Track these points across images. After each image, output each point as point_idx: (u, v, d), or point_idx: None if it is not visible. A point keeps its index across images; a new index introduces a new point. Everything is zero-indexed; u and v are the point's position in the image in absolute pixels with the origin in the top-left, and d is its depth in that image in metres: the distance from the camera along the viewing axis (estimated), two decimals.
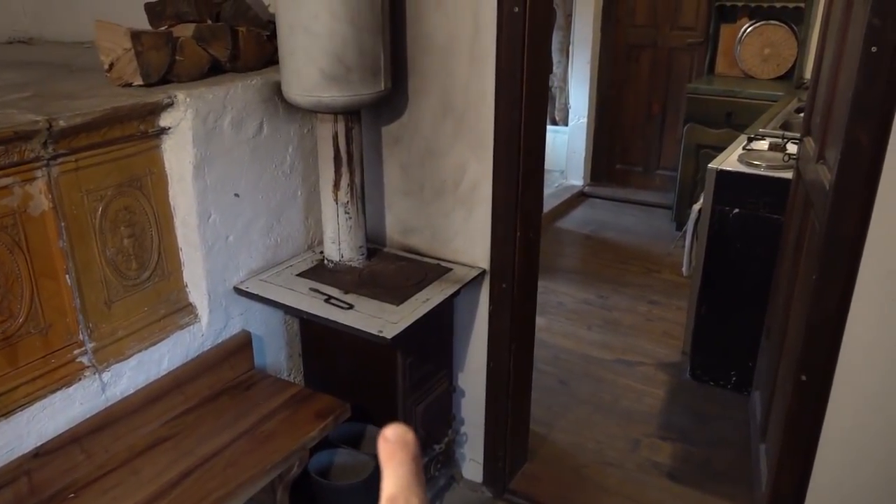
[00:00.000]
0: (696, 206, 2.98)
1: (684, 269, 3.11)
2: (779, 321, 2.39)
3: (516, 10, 1.95)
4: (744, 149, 3.02)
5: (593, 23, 5.21)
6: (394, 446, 0.38)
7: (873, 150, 1.61)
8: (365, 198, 2.22)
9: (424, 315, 2.01)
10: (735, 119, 4.30)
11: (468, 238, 2.27)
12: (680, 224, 4.66)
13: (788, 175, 2.62)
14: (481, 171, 2.18)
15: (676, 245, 3.90)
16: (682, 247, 3.24)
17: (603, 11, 5.24)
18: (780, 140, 3.02)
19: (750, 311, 2.86)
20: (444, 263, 2.29)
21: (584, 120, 5.48)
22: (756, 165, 2.79)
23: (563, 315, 3.75)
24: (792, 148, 2.82)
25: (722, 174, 2.83)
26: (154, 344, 1.92)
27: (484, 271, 2.26)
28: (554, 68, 5.45)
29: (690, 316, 3.14)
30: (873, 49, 1.55)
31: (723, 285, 2.97)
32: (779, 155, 2.84)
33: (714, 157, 3.07)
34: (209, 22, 2.03)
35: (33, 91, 1.90)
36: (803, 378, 1.78)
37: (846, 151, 1.64)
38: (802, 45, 4.44)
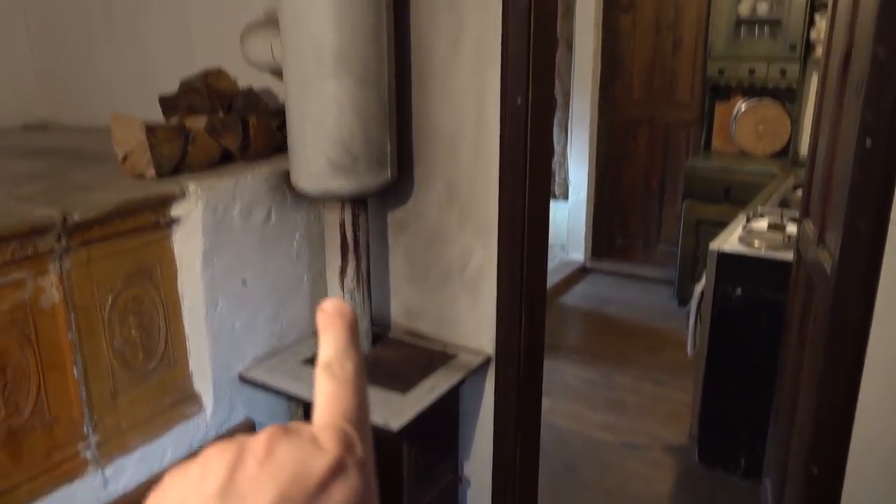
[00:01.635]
0: (699, 287, 3.00)
1: (689, 349, 3.10)
2: (786, 405, 2.37)
3: (519, 101, 2.01)
4: (743, 228, 3.06)
5: (591, 100, 5.35)
6: (331, 316, 0.38)
7: (873, 239, 1.64)
8: (371, 283, 2.24)
9: (430, 404, 1.99)
10: (733, 195, 4.37)
11: (474, 323, 2.27)
12: (682, 300, 4.67)
13: (789, 256, 2.65)
14: (486, 257, 2.20)
15: (680, 325, 3.90)
16: (686, 326, 3.24)
17: (601, 89, 5.38)
18: (779, 219, 3.06)
19: (757, 393, 2.84)
20: (449, 349, 2.29)
21: (584, 194, 5.55)
22: (757, 247, 2.82)
23: (567, 395, 3.71)
24: (791, 228, 2.85)
25: (723, 255, 2.86)
26: (158, 437, 1.90)
27: (490, 357, 2.26)
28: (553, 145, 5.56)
29: (697, 397, 3.11)
30: (867, 143, 1.59)
31: (729, 366, 2.96)
32: (779, 236, 2.87)
33: (714, 232, 3.10)
34: (221, 114, 2.09)
35: (48, 183, 1.94)
36: (815, 471, 1.76)
37: (846, 241, 1.66)
38: (796, 123, 4.55)
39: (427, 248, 2.31)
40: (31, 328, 1.64)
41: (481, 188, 2.16)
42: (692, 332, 3.07)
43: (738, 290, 2.84)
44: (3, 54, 3.02)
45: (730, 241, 2.95)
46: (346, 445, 0.32)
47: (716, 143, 4.92)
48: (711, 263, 2.89)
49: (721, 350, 2.95)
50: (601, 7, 5.19)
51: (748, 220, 3.14)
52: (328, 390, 0.35)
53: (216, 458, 0.31)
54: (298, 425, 0.33)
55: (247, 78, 2.32)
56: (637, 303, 4.99)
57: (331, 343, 0.37)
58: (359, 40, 1.89)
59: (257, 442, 0.31)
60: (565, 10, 5.10)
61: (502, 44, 1.98)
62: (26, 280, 1.61)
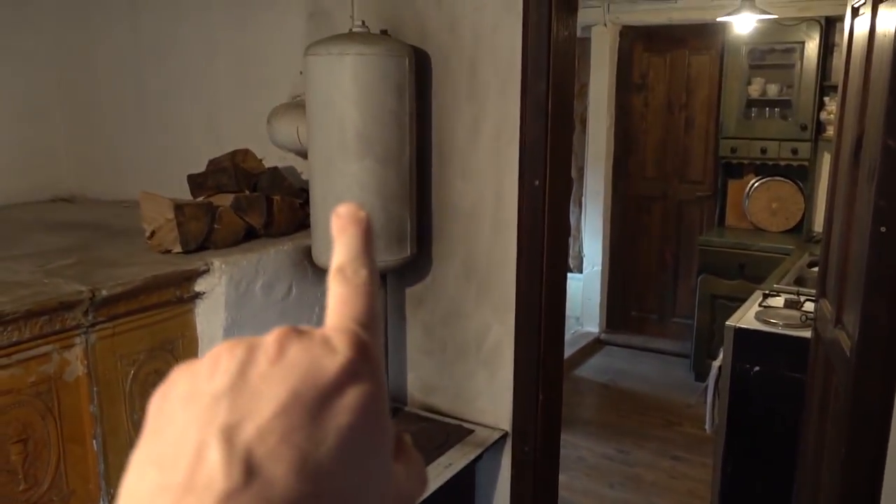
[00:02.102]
0: (716, 363, 2.98)
1: (707, 426, 3.06)
2: (809, 486, 2.32)
3: (536, 183, 2.07)
4: (760, 305, 3.06)
5: (605, 176, 5.43)
6: (345, 220, 0.36)
7: (891, 323, 1.65)
8: (388, 358, 2.25)
9: (447, 481, 1.98)
10: (748, 271, 4.38)
11: (491, 399, 2.27)
12: (699, 374, 4.63)
13: (807, 334, 2.64)
14: (504, 332, 2.22)
15: (698, 400, 3.86)
16: (703, 402, 3.21)
17: (614, 166, 5.47)
18: (795, 297, 3.06)
19: (778, 472, 2.79)
20: (466, 424, 2.28)
21: (599, 268, 5.58)
22: (774, 324, 2.82)
23: (583, 471, 3.65)
24: (808, 306, 2.85)
25: (740, 332, 2.85)
26: None
27: (506, 433, 2.25)
28: None
29: (716, 475, 3.05)
30: (882, 229, 1.62)
31: (749, 444, 2.91)
32: (796, 313, 2.87)
33: (729, 307, 3.10)
34: (247, 192, 2.16)
35: (77, 258, 1.99)
36: None
37: (865, 325, 1.67)
38: (809, 200, 4.59)
39: (444, 324, 2.33)
40: (53, 401, 1.66)
41: (499, 265, 2.20)
42: (710, 409, 3.03)
43: (756, 368, 2.83)
44: (37, 128, 3.14)
45: (746, 317, 2.95)
46: (359, 348, 0.31)
47: (729, 219, 4.96)
48: (728, 340, 2.88)
49: (740, 427, 2.91)
50: (614, 87, 5.33)
51: (764, 298, 3.14)
52: (340, 294, 0.34)
53: (226, 355, 0.30)
54: (309, 327, 0.32)
55: (272, 157, 2.40)
56: (653, 376, 4.94)
57: (344, 248, 0.35)
58: (381, 124, 1.97)
59: (268, 341, 0.30)
60: (579, 90, 5.25)
61: (521, 129, 2.06)
62: (52, 354, 1.64)
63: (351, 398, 0.29)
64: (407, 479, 0.33)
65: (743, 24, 4.28)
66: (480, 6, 2.10)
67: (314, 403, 0.29)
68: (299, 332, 0.31)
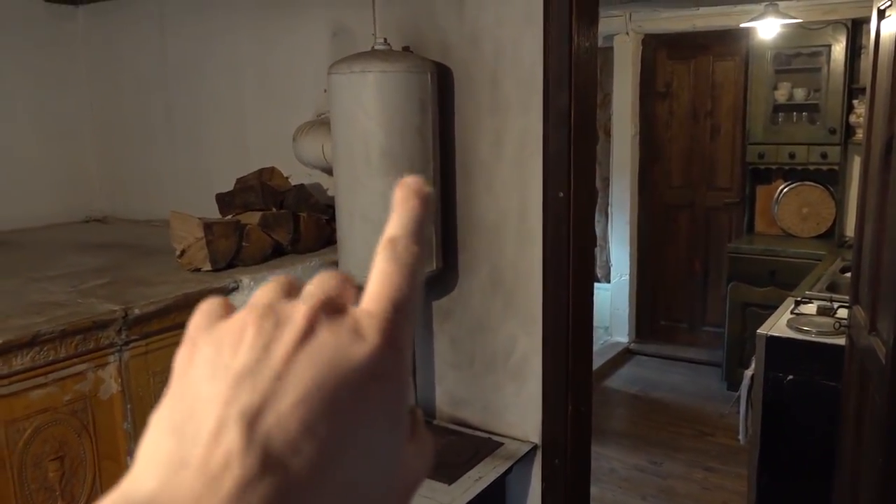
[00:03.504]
0: (749, 372, 2.94)
1: (741, 437, 3.02)
2: (847, 497, 2.28)
3: (561, 194, 2.07)
4: (792, 313, 3.01)
5: (630, 185, 5.41)
6: (409, 192, 0.34)
7: None
8: (416, 371, 2.26)
9: (477, 495, 1.97)
10: (779, 277, 4.31)
11: (519, 412, 2.27)
12: (730, 384, 4.56)
13: (841, 341, 2.60)
14: (531, 344, 2.21)
15: (730, 410, 3.80)
16: (736, 412, 3.16)
17: (639, 175, 5.44)
18: (828, 303, 3.01)
19: (815, 482, 2.73)
20: (495, 437, 2.28)
21: (626, 277, 5.54)
22: (807, 331, 2.78)
23: (615, 483, 3.61)
24: (842, 312, 2.80)
25: (772, 340, 2.81)
26: None
27: (536, 446, 2.24)
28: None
29: (752, 486, 3.00)
30: None
31: (783, 454, 2.86)
32: (829, 320, 2.82)
33: (760, 315, 3.06)
34: (274, 210, 2.19)
35: (109, 277, 2.04)
36: None
37: None
38: (840, 204, 4.52)
39: (471, 336, 2.34)
40: (89, 418, 1.69)
41: (525, 277, 2.19)
42: (744, 419, 2.99)
43: (790, 376, 2.78)
44: (69, 151, 3.22)
45: (778, 325, 2.90)
46: (388, 336, 0.30)
47: (759, 225, 4.90)
48: (761, 348, 2.84)
49: (774, 437, 2.87)
50: (638, 95, 5.31)
51: (796, 305, 3.10)
52: (385, 270, 0.32)
53: (252, 328, 0.29)
54: (344, 302, 0.31)
55: (298, 175, 2.43)
56: (684, 386, 4.88)
57: (401, 221, 0.33)
58: (405, 140, 1.98)
59: (297, 317, 0.29)
60: (603, 100, 5.24)
61: (543, 141, 2.06)
62: (87, 372, 1.68)
63: (373, 392, 0.29)
64: (415, 458, 0.33)
65: (767, 30, 4.25)
66: (502, 20, 2.11)
67: (337, 394, 0.28)
68: (331, 310, 0.30)
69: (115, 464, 1.75)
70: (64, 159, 3.20)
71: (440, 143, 2.14)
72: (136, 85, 3.10)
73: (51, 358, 1.59)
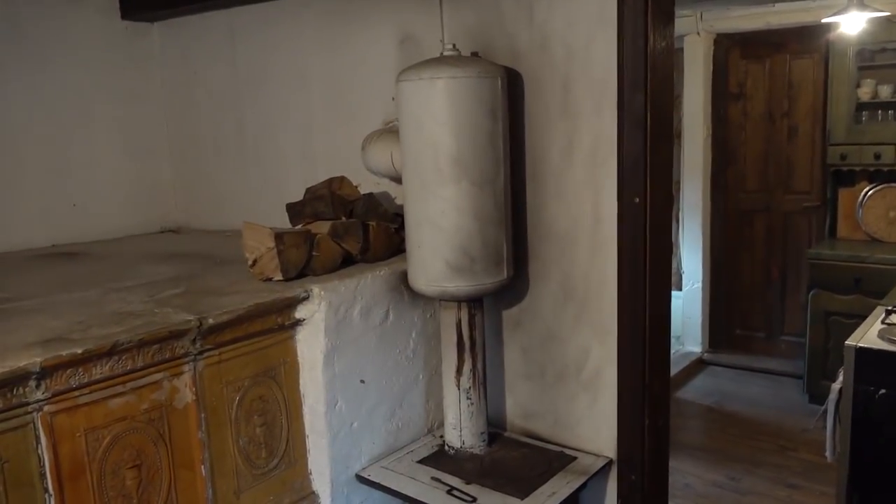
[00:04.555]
0: (836, 385, 2.78)
1: (828, 453, 2.85)
2: None
3: (636, 200, 1.99)
4: (883, 323, 2.84)
5: (702, 189, 5.24)
6: None
7: None
8: (486, 382, 2.21)
9: None
10: (865, 285, 4.10)
11: (593, 425, 2.19)
12: (813, 396, 4.36)
13: None
14: (605, 355, 2.14)
15: (815, 424, 3.62)
16: (822, 426, 3.00)
17: (712, 179, 5.27)
18: None
19: None
20: (567, 451, 2.21)
21: (699, 285, 5.37)
22: None
23: (691, 499, 3.48)
24: None
25: (862, 352, 2.65)
26: None
27: (611, 461, 2.16)
28: None
29: None
30: None
31: (876, 473, 2.69)
32: None
33: (845, 324, 2.90)
34: (343, 219, 2.18)
35: (184, 287, 2.06)
36: None
37: None
38: None
39: (542, 346, 2.28)
40: (165, 427, 1.71)
41: (598, 285, 2.13)
42: (831, 436, 2.83)
43: (882, 390, 2.62)
44: (146, 164, 3.31)
45: (868, 336, 2.74)
46: None
47: (842, 230, 4.67)
48: (849, 360, 2.68)
49: (865, 455, 2.70)
50: (710, 97, 5.15)
51: (887, 314, 2.92)
52: None
53: None
54: None
55: (367, 184, 2.43)
56: (762, 399, 4.69)
57: None
58: (475, 146, 1.95)
59: None
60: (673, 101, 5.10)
61: (618, 146, 1.99)
62: (163, 381, 1.70)
63: None
64: None
65: (851, 24, 4.05)
66: (573, 22, 2.05)
67: None
68: None
69: (189, 472, 1.77)
70: (140, 172, 3.29)
71: (511, 149, 2.09)
72: (209, 98, 3.16)
73: (128, 367, 1.61)
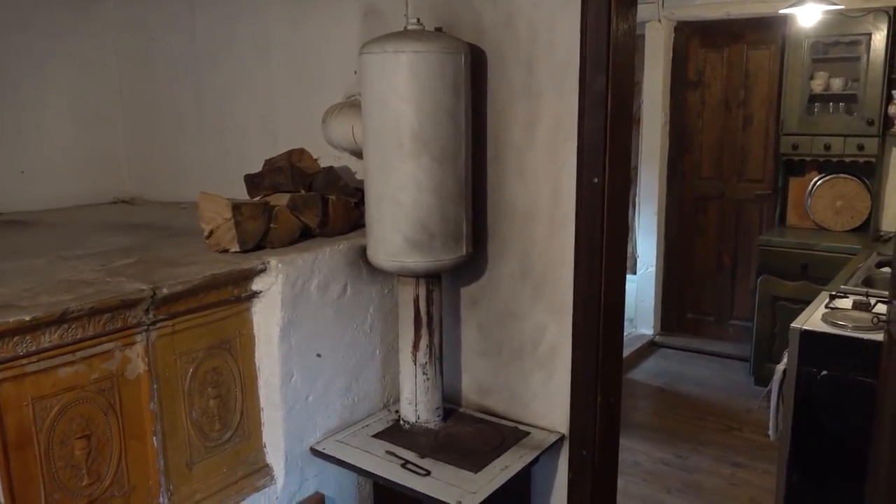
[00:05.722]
0: (780, 367, 2.87)
1: (771, 432, 2.95)
2: (881, 497, 2.21)
3: (595, 180, 2.02)
4: (827, 307, 2.94)
5: (659, 175, 5.32)
6: None
7: None
8: (443, 358, 2.23)
9: (503, 484, 1.94)
10: (812, 272, 4.23)
11: (547, 401, 2.23)
12: (758, 378, 4.49)
13: (879, 337, 2.52)
14: (560, 334, 2.17)
15: (759, 405, 3.74)
16: (766, 407, 3.09)
17: (669, 165, 5.36)
18: (865, 298, 2.93)
19: (848, 481, 2.66)
20: (521, 427, 2.24)
21: (653, 269, 5.47)
22: (842, 326, 2.70)
23: (639, 476, 3.56)
24: (880, 308, 2.73)
25: (806, 334, 2.74)
26: None
27: (563, 437, 2.20)
28: None
29: (780, 484, 2.93)
30: None
31: (815, 452, 2.80)
32: (866, 315, 2.75)
33: (791, 309, 2.99)
34: (302, 192, 2.16)
35: (138, 257, 2.02)
36: None
37: None
38: (876, 198, 4.41)
39: (499, 324, 2.30)
40: (115, 397, 1.68)
41: (556, 264, 2.15)
42: (774, 415, 2.92)
43: (824, 372, 2.71)
44: (99, 132, 3.22)
45: (812, 319, 2.83)
46: None
47: (791, 218, 4.80)
48: (794, 342, 2.77)
49: (806, 434, 2.80)
50: (668, 84, 5.21)
51: (831, 299, 3.02)
52: None
53: None
54: None
55: (327, 157, 2.40)
56: (711, 380, 4.81)
57: None
58: (437, 122, 1.94)
59: None
60: None
61: (578, 126, 2.01)
62: (114, 351, 1.67)
63: None
64: None
65: (807, 17, 4.14)
66: (538, 1, 2.06)
67: None
68: None
69: (140, 443, 1.74)
70: (93, 141, 3.21)
71: (472, 126, 2.09)
72: (167, 67, 3.09)
73: (79, 336, 1.57)
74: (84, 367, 1.61)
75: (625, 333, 5.50)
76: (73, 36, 3.09)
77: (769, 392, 2.97)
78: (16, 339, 1.47)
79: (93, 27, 3.15)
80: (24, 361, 1.50)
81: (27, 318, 1.47)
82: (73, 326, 1.56)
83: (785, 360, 2.88)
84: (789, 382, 2.81)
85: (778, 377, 2.89)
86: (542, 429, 2.23)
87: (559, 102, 2.06)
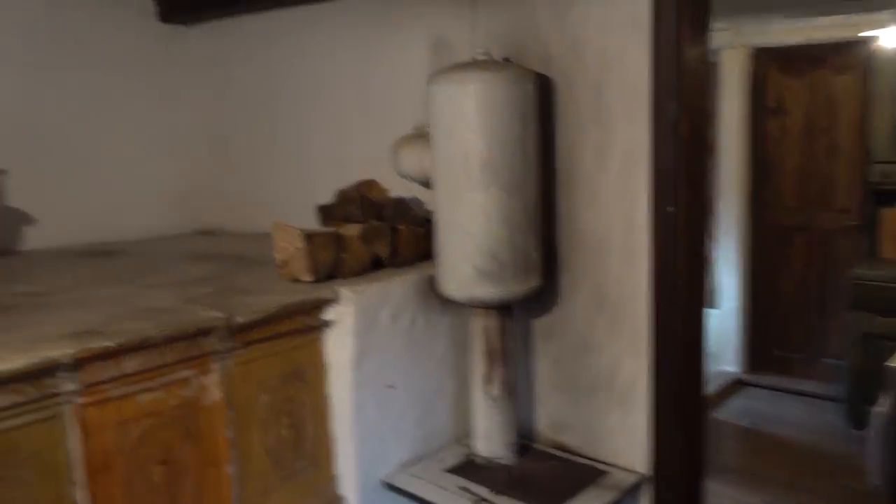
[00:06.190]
0: (878, 409, 2.69)
1: (873, 479, 2.76)
2: None
3: (670, 209, 1.96)
4: None
5: (738, 205, 5.16)
6: None
7: None
8: (517, 392, 2.18)
9: None
10: None
11: (625, 439, 2.15)
12: (854, 420, 4.22)
13: None
14: (638, 367, 2.10)
15: (858, 449, 3.51)
16: (864, 451, 2.90)
17: (749, 195, 5.19)
18: None
19: None
20: (599, 465, 2.16)
21: (735, 303, 5.26)
22: None
23: None
24: None
25: None
26: None
27: (644, 477, 2.11)
28: None
29: None
30: None
31: None
32: None
33: (888, 347, 2.80)
34: (373, 222, 2.18)
35: (214, 286, 2.08)
36: None
37: None
38: None
39: (574, 357, 2.24)
40: (193, 424, 1.71)
41: (630, 296, 2.09)
42: (874, 461, 2.73)
43: None
44: (182, 167, 3.37)
45: None
46: None
47: (885, 250, 4.55)
48: (892, 383, 2.60)
49: None
50: (747, 111, 5.08)
51: None
52: None
53: None
54: None
55: (397, 188, 2.43)
56: (802, 422, 4.56)
57: None
58: (506, 152, 1.94)
59: None
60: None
61: (651, 153, 1.96)
62: (191, 378, 1.70)
63: None
64: None
65: (892, 39, 3.97)
66: (606, 27, 2.04)
67: None
68: None
69: (216, 471, 1.76)
70: (177, 174, 3.35)
71: (542, 155, 2.08)
72: (244, 102, 3.21)
73: (158, 363, 1.62)
74: (163, 393, 1.65)
75: (707, 370, 5.30)
76: (157, 72, 3.26)
77: (868, 435, 2.79)
78: (100, 364, 1.52)
79: (175, 64, 3.31)
80: (108, 387, 1.54)
81: (111, 345, 1.52)
82: (153, 353, 1.60)
83: (880, 401, 2.70)
84: (890, 426, 2.63)
85: (878, 420, 2.71)
86: (621, 468, 2.15)
87: (630, 129, 2.03)
